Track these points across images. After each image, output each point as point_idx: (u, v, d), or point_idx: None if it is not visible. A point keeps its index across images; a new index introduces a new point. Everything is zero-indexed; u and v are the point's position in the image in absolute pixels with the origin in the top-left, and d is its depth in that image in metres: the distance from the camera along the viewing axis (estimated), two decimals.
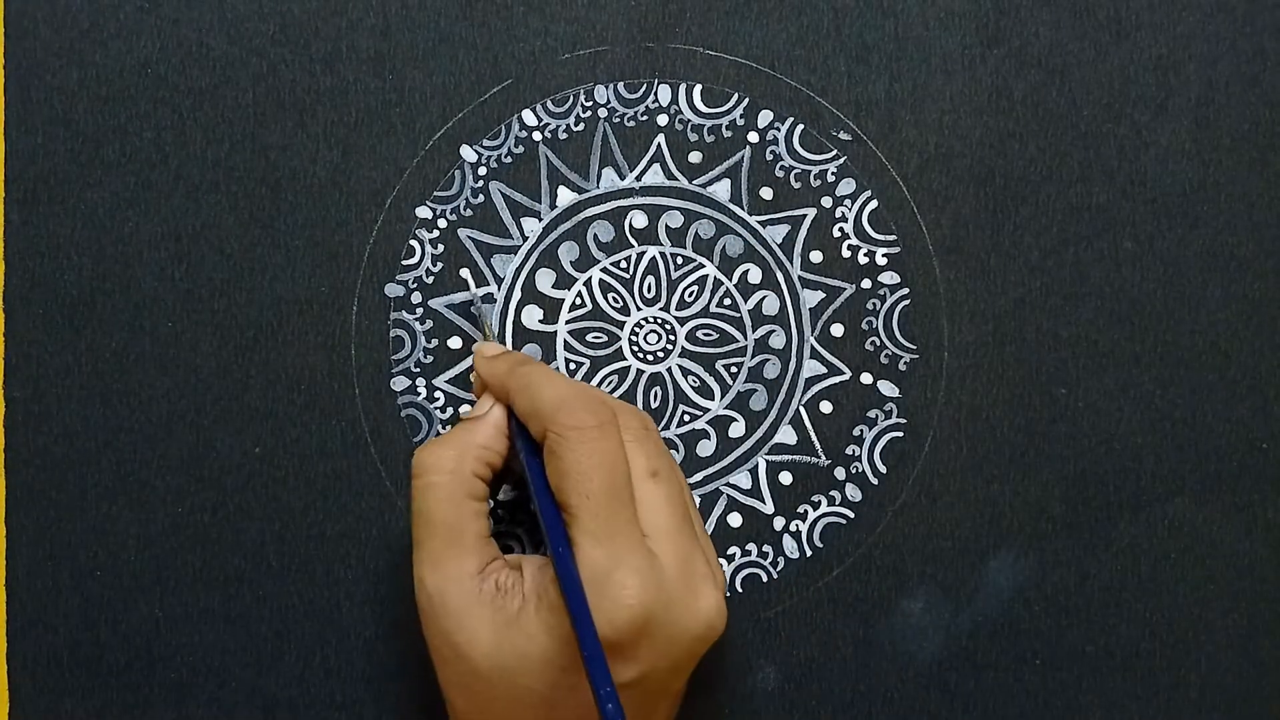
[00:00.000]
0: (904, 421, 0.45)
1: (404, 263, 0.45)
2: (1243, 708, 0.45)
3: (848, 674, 0.45)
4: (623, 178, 0.45)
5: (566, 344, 0.45)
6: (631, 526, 0.37)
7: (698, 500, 0.45)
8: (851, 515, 0.45)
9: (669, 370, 0.45)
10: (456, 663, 0.38)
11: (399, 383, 0.45)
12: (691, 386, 0.45)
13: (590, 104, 0.45)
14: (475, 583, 0.38)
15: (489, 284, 0.45)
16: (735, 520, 0.45)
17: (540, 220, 0.45)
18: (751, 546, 0.45)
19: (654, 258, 0.45)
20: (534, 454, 0.39)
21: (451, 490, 0.39)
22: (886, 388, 0.45)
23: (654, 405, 0.45)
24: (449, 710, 0.40)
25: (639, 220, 0.45)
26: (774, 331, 0.45)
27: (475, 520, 0.39)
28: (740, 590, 0.45)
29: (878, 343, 0.45)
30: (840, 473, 0.45)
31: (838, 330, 0.45)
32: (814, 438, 0.45)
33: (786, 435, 0.45)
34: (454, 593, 0.38)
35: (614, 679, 0.34)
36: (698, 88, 0.45)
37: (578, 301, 0.45)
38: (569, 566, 0.36)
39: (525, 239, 0.45)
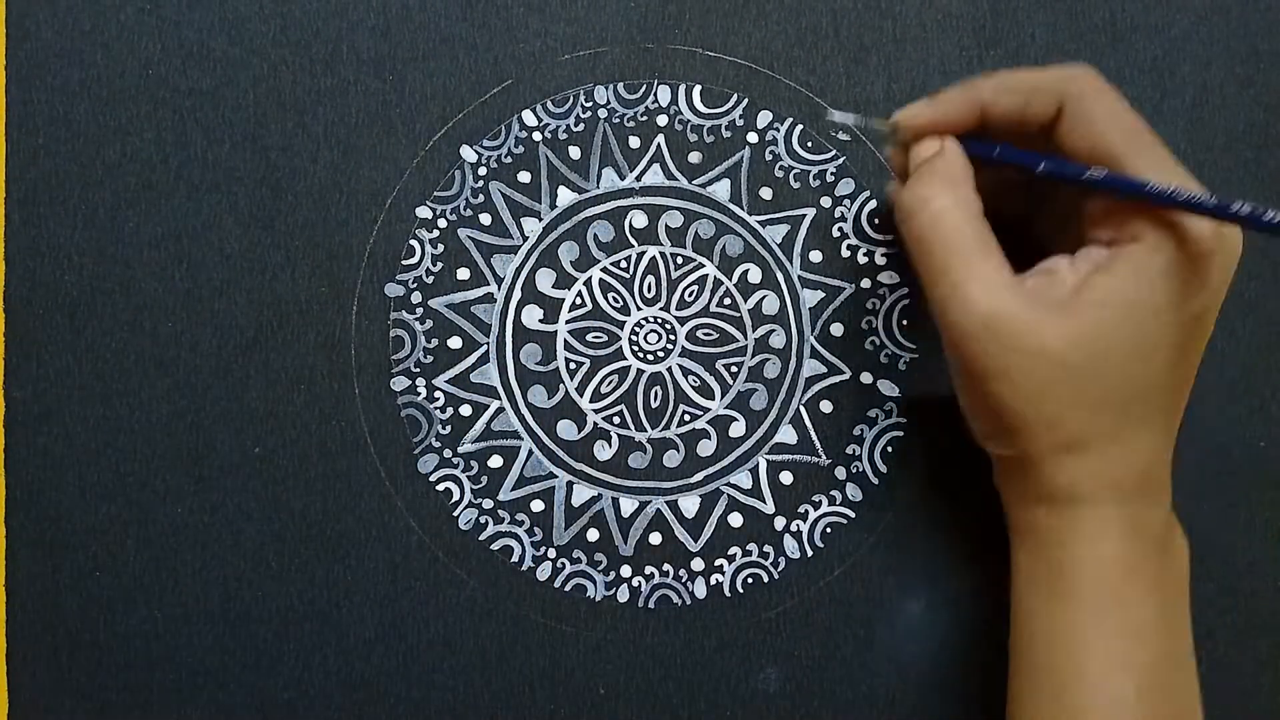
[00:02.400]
0: (904, 421, 0.45)
1: (404, 263, 0.45)
2: (1243, 708, 0.45)
3: (848, 674, 0.45)
4: (623, 178, 0.45)
5: (566, 344, 0.45)
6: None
7: (698, 500, 0.45)
8: (852, 515, 0.45)
9: (669, 370, 0.45)
10: (1031, 370, 0.36)
11: (399, 383, 0.45)
12: (692, 386, 0.45)
13: (590, 104, 0.45)
14: (1023, 281, 0.37)
15: (489, 284, 0.45)
16: (736, 520, 0.45)
17: (540, 220, 0.45)
18: (752, 547, 0.45)
19: (654, 257, 0.45)
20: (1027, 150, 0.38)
21: (967, 207, 0.37)
22: (886, 387, 0.45)
23: (654, 405, 0.45)
24: (1011, 438, 0.38)
25: (639, 220, 0.45)
26: (774, 331, 0.45)
27: (992, 236, 0.37)
28: (741, 591, 0.45)
29: (878, 342, 0.45)
30: (841, 472, 0.45)
31: (838, 330, 0.45)
32: (814, 437, 0.45)
33: (787, 435, 0.45)
34: (1010, 298, 0.36)
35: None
36: (697, 88, 0.45)
37: (578, 301, 0.45)
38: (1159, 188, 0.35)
39: (525, 239, 0.45)
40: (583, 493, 0.45)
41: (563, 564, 0.45)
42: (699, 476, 0.45)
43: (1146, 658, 0.37)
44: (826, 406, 0.45)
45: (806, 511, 0.45)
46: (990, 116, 0.39)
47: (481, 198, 0.45)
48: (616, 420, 0.45)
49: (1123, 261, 0.36)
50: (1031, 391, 0.36)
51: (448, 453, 0.45)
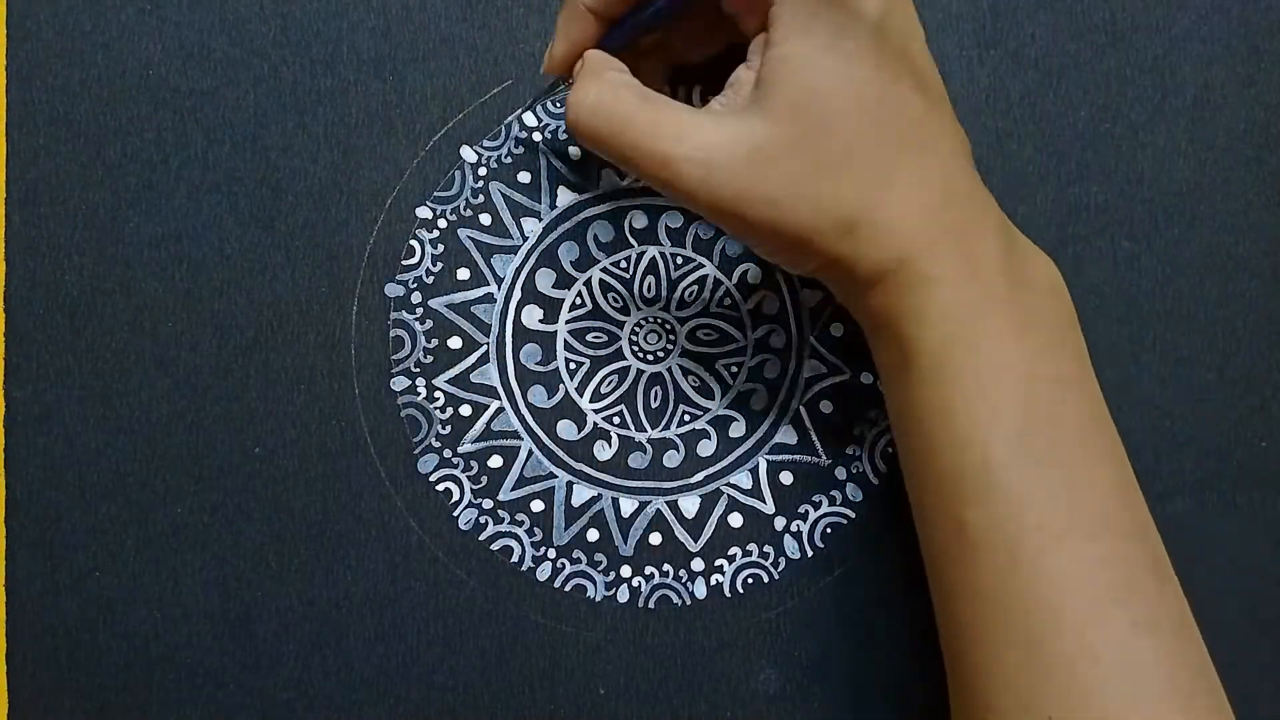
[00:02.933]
0: None
1: (404, 263, 0.45)
2: (1243, 707, 0.45)
3: (848, 674, 0.45)
4: (623, 178, 0.45)
5: (566, 344, 0.45)
6: None
7: (698, 500, 0.45)
8: (852, 515, 0.45)
9: (669, 370, 0.45)
10: (768, 175, 0.35)
11: (399, 383, 0.45)
12: (692, 386, 0.45)
13: None
14: (712, 108, 0.36)
15: (489, 284, 0.45)
16: (736, 520, 0.45)
17: (540, 220, 0.45)
18: (753, 547, 0.45)
19: (654, 257, 0.45)
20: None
21: (616, 83, 0.37)
22: None
23: (654, 405, 0.45)
24: (801, 247, 0.36)
25: (639, 220, 0.45)
26: (774, 331, 0.45)
27: (659, 95, 0.37)
28: (741, 591, 0.45)
29: None
30: (841, 472, 0.45)
31: (838, 330, 0.45)
32: (814, 437, 0.45)
33: (787, 435, 0.45)
34: (708, 129, 0.35)
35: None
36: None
37: (578, 301, 0.45)
38: None
39: (525, 239, 0.45)
40: (583, 493, 0.45)
41: (563, 564, 0.45)
42: (699, 477, 0.45)
43: (1018, 398, 0.35)
44: (826, 406, 0.45)
45: (806, 512, 0.45)
46: (607, 13, 0.39)
47: (481, 198, 0.45)
48: (616, 420, 0.45)
49: (778, 27, 0.35)
50: (784, 194, 0.35)
51: (448, 453, 0.45)
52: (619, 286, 0.45)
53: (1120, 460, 0.36)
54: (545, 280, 0.45)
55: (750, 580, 0.45)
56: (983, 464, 0.35)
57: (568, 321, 0.45)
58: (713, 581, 0.45)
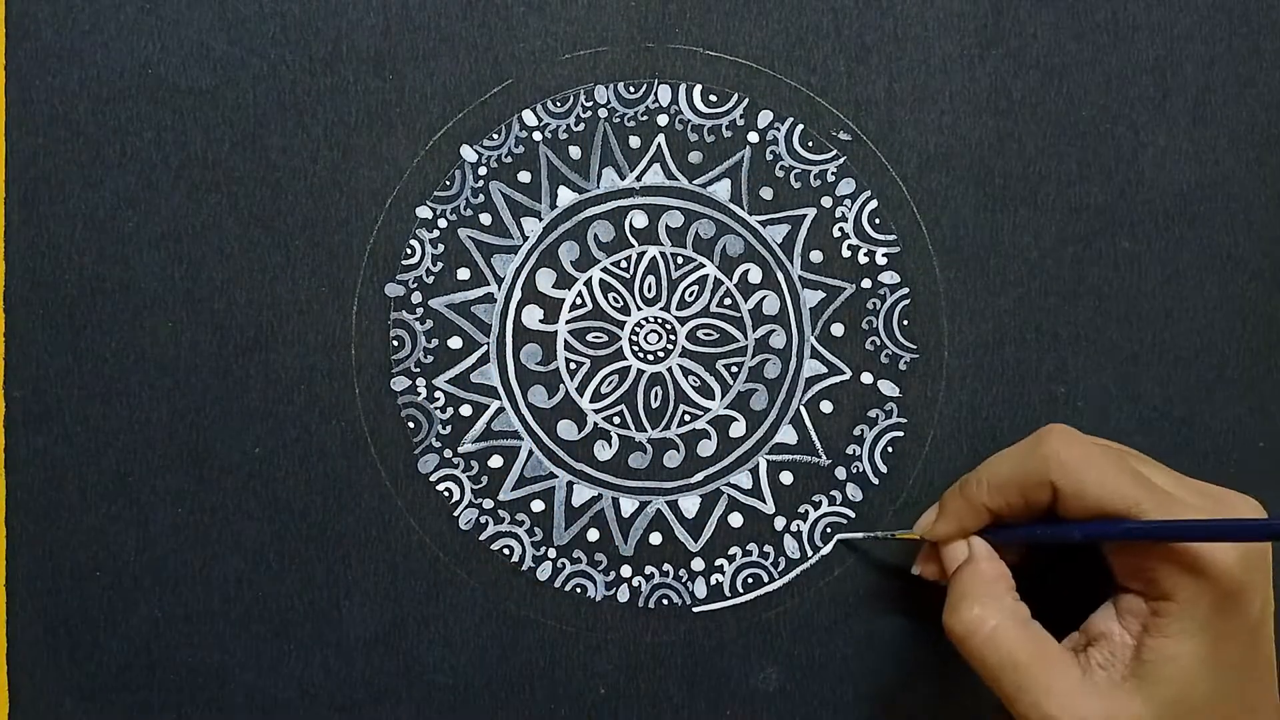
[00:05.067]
0: (904, 421, 0.45)
1: (404, 263, 0.45)
2: None
3: (848, 674, 0.45)
4: (623, 178, 0.45)
5: (567, 344, 0.45)
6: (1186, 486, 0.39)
7: (698, 500, 0.45)
8: (852, 515, 0.45)
9: (669, 370, 0.45)
10: None
11: (399, 383, 0.45)
12: (692, 386, 0.45)
13: (590, 104, 0.45)
14: (1088, 665, 0.38)
15: (489, 284, 0.45)
16: (736, 520, 0.45)
17: (540, 220, 0.45)
18: (753, 547, 0.45)
19: (654, 257, 0.45)
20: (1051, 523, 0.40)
21: (1014, 618, 0.39)
22: (887, 387, 0.45)
23: (654, 405, 0.45)
24: None
25: (639, 220, 0.45)
26: (774, 331, 0.45)
27: (1047, 636, 0.39)
28: (741, 591, 0.45)
29: (878, 342, 0.45)
30: (841, 472, 0.45)
31: (838, 330, 0.45)
32: (814, 437, 0.45)
33: (787, 435, 0.45)
34: (1087, 702, 0.37)
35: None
36: (698, 88, 0.45)
37: (578, 301, 0.45)
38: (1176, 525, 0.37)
39: (525, 239, 0.45)
40: (583, 493, 0.45)
41: (563, 564, 0.45)
42: (699, 476, 0.45)
43: None
44: (826, 406, 0.45)
45: (806, 511, 0.45)
46: (1005, 516, 0.41)
47: (482, 198, 0.45)
48: (617, 420, 0.45)
49: (1170, 622, 0.37)
50: None
51: (448, 453, 0.45)
52: (619, 286, 0.45)
53: None
54: (545, 280, 0.45)
55: (750, 580, 0.45)
56: None
57: (568, 321, 0.45)
58: (713, 581, 0.45)
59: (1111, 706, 0.37)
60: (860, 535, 0.45)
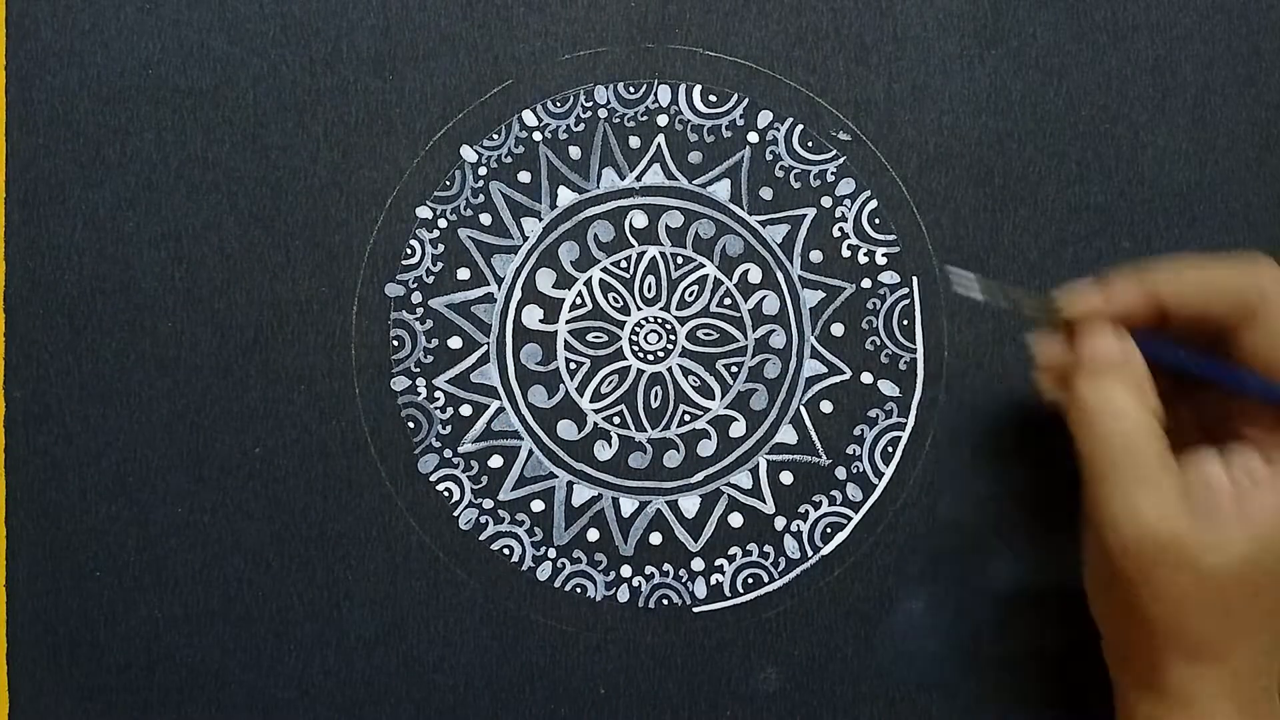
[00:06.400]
0: (904, 421, 0.45)
1: (404, 263, 0.45)
2: None
3: (848, 674, 0.45)
4: (623, 178, 0.45)
5: (567, 344, 0.45)
6: None
7: (698, 500, 0.45)
8: (852, 515, 0.45)
9: (669, 370, 0.45)
10: (1186, 588, 0.35)
11: (399, 383, 0.45)
12: (692, 386, 0.45)
13: (590, 104, 0.45)
14: (1186, 491, 0.36)
15: (489, 284, 0.45)
16: (736, 520, 0.45)
17: (540, 220, 0.45)
18: (753, 547, 0.45)
19: (654, 257, 0.45)
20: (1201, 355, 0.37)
21: (1152, 418, 0.37)
22: (887, 387, 0.45)
23: (654, 405, 0.45)
24: (1144, 639, 0.37)
25: (639, 220, 0.45)
26: (774, 331, 0.45)
27: (1168, 448, 0.37)
28: (741, 591, 0.45)
29: (878, 342, 0.45)
30: (841, 472, 0.45)
31: (838, 330, 0.45)
32: (814, 437, 0.45)
33: (787, 435, 0.45)
34: (1179, 518, 0.35)
35: None
36: (697, 88, 0.45)
37: (578, 301, 0.45)
38: None
39: (525, 239, 0.45)
40: (583, 493, 0.45)
41: (563, 564, 0.45)
42: (699, 476, 0.45)
43: None
44: (826, 406, 0.45)
45: (806, 511, 0.45)
46: (1164, 312, 0.38)
47: (482, 198, 0.45)
48: (617, 420, 0.45)
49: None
50: (1182, 605, 0.36)
51: (448, 453, 0.45)
52: (619, 286, 0.45)
53: None
54: (545, 280, 0.45)
55: (750, 580, 0.45)
56: None
57: (568, 321, 0.45)
58: (713, 581, 0.45)
59: (1194, 528, 0.35)
60: (975, 277, 0.41)
